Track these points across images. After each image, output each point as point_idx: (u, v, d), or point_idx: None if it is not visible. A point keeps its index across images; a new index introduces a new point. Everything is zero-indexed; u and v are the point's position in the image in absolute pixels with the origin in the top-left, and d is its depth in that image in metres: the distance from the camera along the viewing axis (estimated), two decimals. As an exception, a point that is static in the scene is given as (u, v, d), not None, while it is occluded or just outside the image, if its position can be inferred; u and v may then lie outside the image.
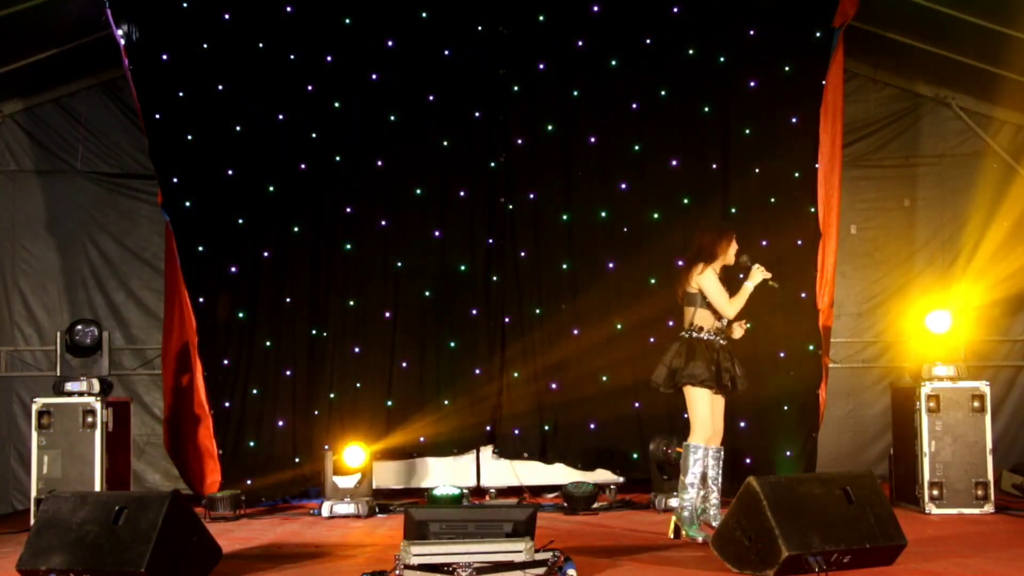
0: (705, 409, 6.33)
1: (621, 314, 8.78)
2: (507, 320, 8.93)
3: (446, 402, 8.85)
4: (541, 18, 8.95)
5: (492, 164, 9.00)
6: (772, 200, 8.76)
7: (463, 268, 8.96)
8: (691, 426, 6.38)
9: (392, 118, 8.91)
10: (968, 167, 9.79)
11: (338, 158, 8.92)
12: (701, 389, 6.30)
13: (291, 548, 6.61)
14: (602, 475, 8.76)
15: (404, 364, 8.90)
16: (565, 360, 8.87)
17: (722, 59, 8.87)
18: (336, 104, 8.93)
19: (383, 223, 8.92)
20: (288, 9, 8.80)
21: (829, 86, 8.45)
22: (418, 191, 8.95)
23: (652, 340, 8.42)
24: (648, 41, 8.90)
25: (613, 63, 8.93)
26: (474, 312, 8.93)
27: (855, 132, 9.69)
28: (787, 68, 8.75)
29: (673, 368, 6.35)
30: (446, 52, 8.90)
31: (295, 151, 8.85)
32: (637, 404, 8.69)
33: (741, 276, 6.60)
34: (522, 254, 8.95)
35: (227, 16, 8.75)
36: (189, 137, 8.69)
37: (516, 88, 8.98)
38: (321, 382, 8.83)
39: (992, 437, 7.65)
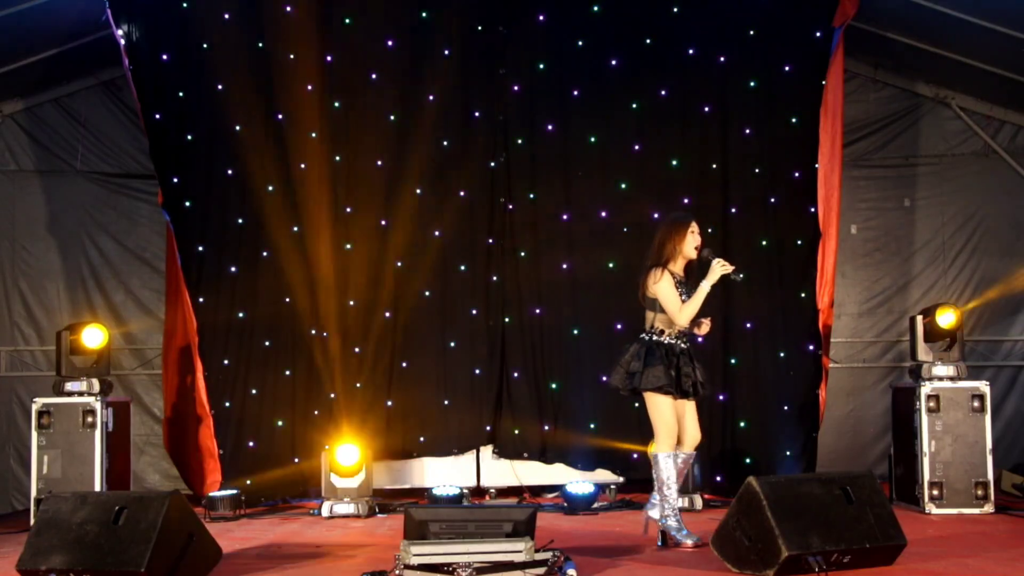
0: (668, 415, 6.13)
1: (621, 314, 8.77)
2: (507, 320, 8.92)
3: (446, 402, 8.84)
4: (541, 18, 8.94)
5: (492, 164, 8.98)
6: (772, 200, 8.77)
7: (463, 268, 8.95)
8: (655, 434, 6.19)
9: (392, 118, 8.89)
10: (968, 167, 9.81)
11: (338, 158, 8.90)
12: (661, 395, 6.12)
13: (291, 548, 6.61)
14: (602, 475, 8.74)
15: (404, 364, 8.88)
16: (565, 360, 8.87)
17: (722, 59, 8.86)
18: (336, 104, 8.91)
19: (383, 223, 8.90)
20: (288, 9, 8.79)
21: (829, 86, 8.45)
22: (418, 191, 8.93)
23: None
24: (648, 41, 8.89)
25: (613, 63, 8.91)
26: (474, 312, 8.91)
27: (855, 132, 9.70)
28: (787, 68, 8.75)
29: (631, 371, 6.17)
30: (446, 52, 8.87)
31: (295, 151, 8.83)
32: (637, 404, 8.65)
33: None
34: (522, 254, 8.94)
35: (227, 16, 8.75)
36: (189, 137, 8.70)
37: (516, 88, 8.97)
38: (321, 382, 8.80)
39: (992, 437, 7.65)
